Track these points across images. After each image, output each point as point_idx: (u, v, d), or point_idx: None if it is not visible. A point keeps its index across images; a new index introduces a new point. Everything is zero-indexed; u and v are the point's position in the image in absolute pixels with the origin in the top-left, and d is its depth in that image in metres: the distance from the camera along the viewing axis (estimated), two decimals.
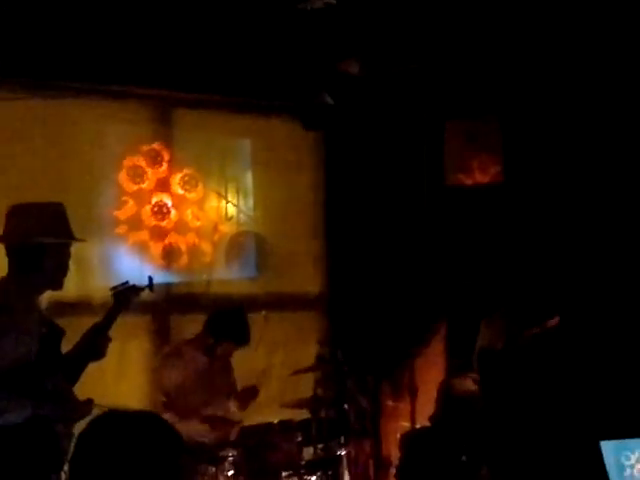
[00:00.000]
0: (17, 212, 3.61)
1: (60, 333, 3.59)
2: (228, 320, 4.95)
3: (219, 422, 4.84)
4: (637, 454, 3.55)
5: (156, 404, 4.89)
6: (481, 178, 5.28)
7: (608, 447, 3.54)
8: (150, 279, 4.03)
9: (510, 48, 4.99)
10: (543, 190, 4.84)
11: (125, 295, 3.84)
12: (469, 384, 3.80)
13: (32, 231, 3.53)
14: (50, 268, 3.56)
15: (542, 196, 4.83)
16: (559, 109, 4.83)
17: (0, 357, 3.26)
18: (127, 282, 3.89)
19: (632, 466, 3.52)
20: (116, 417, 2.05)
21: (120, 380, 5.27)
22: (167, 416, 4.56)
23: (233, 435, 4.70)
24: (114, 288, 3.84)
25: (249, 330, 4.94)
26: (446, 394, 3.73)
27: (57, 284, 3.64)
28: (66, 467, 3.18)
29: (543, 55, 4.86)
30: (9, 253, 3.58)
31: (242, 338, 4.93)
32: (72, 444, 2.82)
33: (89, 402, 3.54)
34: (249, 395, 5.00)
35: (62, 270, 3.63)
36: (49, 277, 3.58)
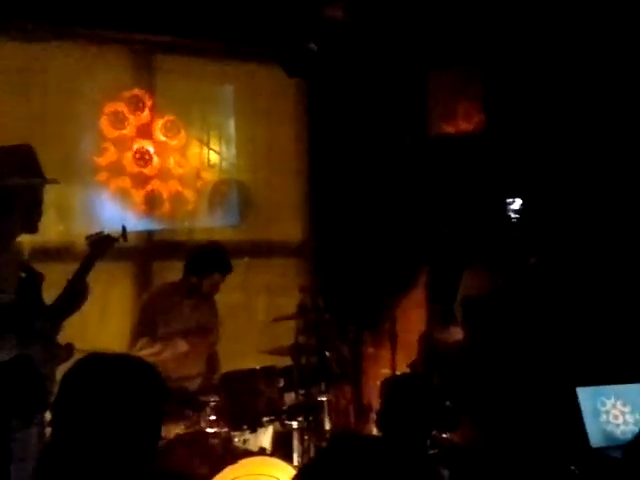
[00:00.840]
0: None
1: (39, 277, 3.59)
2: (207, 254, 4.99)
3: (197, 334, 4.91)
4: (612, 400, 3.64)
5: (133, 334, 4.91)
6: (464, 126, 5.28)
7: (584, 393, 3.62)
8: (124, 228, 4.01)
9: None
10: (525, 138, 4.84)
11: (99, 244, 3.84)
12: (452, 333, 3.85)
13: (6, 174, 3.51)
14: (22, 210, 3.55)
15: (523, 143, 4.84)
16: (541, 56, 4.81)
17: None
18: (102, 232, 3.89)
19: (607, 412, 3.62)
20: (100, 359, 2.07)
21: (102, 326, 5.29)
22: (144, 340, 4.64)
23: (215, 380, 4.74)
24: (89, 237, 3.85)
25: (228, 258, 4.97)
26: (428, 343, 3.77)
27: (31, 227, 3.64)
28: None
29: (525, 4, 4.83)
30: None
31: (225, 267, 4.96)
32: (55, 387, 2.84)
33: (69, 346, 3.57)
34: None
35: (35, 212, 3.62)
36: (22, 219, 3.57)
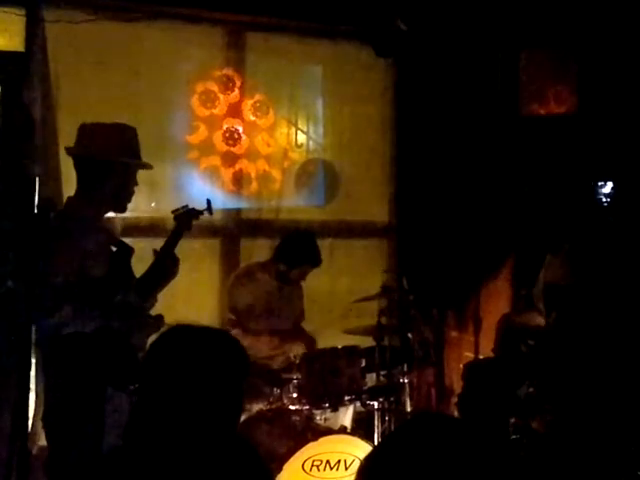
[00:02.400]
0: (90, 129, 3.69)
1: (129, 251, 3.68)
2: (300, 245, 5.02)
3: (288, 335, 4.99)
4: None
5: (225, 321, 5.04)
6: (556, 108, 5.15)
7: None
8: (209, 202, 4.07)
9: None
10: (618, 120, 4.69)
11: (185, 218, 3.91)
12: (530, 318, 3.77)
13: (100, 148, 3.61)
14: (113, 188, 3.64)
15: (617, 126, 4.68)
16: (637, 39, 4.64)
17: (64, 272, 3.38)
18: (187, 205, 3.97)
19: None
20: (185, 330, 2.13)
21: (190, 302, 5.40)
22: (235, 331, 4.73)
23: (297, 359, 4.79)
24: (175, 211, 3.93)
25: (319, 251, 5.01)
26: (506, 326, 3.71)
27: (119, 206, 3.74)
28: None
29: None
30: (77, 168, 3.68)
31: (315, 260, 5.01)
32: None
33: (159, 317, 3.66)
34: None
35: (125, 193, 3.70)
36: (112, 197, 3.66)
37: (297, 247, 5.01)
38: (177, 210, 3.94)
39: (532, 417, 3.56)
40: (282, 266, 5.02)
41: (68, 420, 3.42)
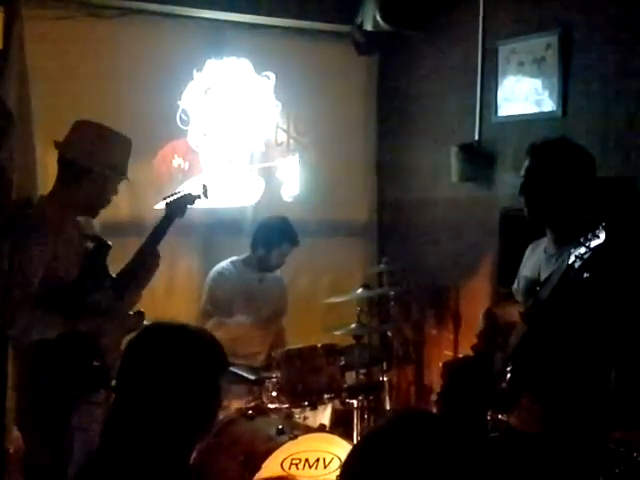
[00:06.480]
0: (82, 128, 3.60)
1: (106, 247, 3.61)
2: (275, 227, 5.03)
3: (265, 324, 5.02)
4: None
5: (202, 313, 5.03)
6: (536, 108, 5.14)
7: None
8: (204, 187, 3.87)
9: None
10: (599, 120, 4.69)
11: (179, 203, 3.77)
12: (512, 311, 3.74)
13: (85, 151, 3.52)
14: (90, 193, 3.54)
15: (597, 126, 4.69)
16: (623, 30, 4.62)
17: (29, 275, 3.30)
18: (179, 191, 3.86)
19: None
20: (162, 328, 2.12)
21: (169, 301, 5.39)
22: (211, 322, 4.73)
23: (277, 357, 4.79)
24: (166, 197, 3.80)
25: (295, 230, 5.06)
26: (489, 319, 3.69)
27: (92, 212, 3.65)
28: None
29: None
30: (59, 165, 3.59)
31: (293, 237, 5.04)
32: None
33: (140, 314, 3.60)
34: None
35: (101, 200, 3.61)
36: (87, 202, 3.57)
37: (273, 228, 5.04)
38: (169, 196, 3.80)
39: (508, 412, 3.54)
40: (261, 251, 5.04)
41: (36, 422, 3.36)
